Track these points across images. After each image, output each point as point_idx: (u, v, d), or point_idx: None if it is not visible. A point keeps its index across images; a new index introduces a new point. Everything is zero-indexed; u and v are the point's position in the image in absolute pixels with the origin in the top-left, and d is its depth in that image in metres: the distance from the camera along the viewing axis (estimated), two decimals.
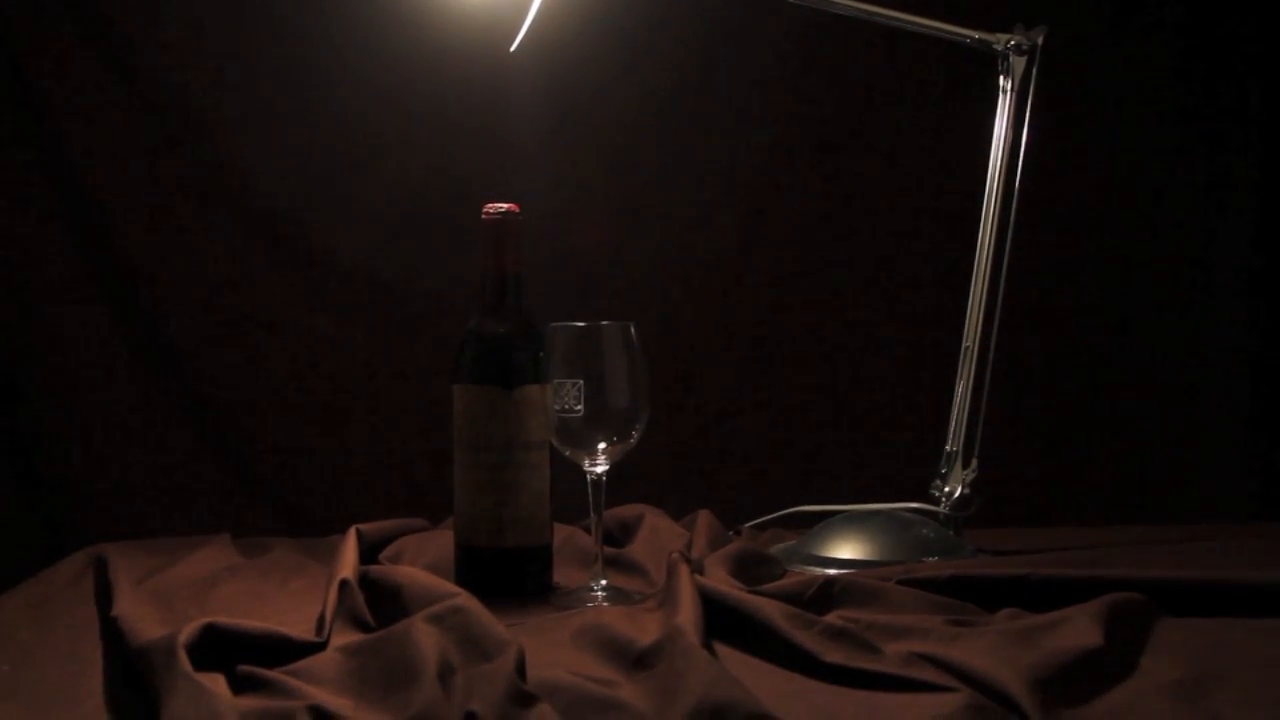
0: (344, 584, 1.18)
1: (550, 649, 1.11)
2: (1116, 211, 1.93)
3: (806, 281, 1.90)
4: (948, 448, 1.54)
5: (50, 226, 1.75)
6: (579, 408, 1.25)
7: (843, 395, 1.91)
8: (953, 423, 1.53)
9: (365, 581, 1.22)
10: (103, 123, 1.77)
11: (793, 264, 1.90)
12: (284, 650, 1.09)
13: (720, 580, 1.24)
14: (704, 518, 1.52)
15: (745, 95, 1.87)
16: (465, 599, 1.12)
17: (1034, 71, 1.48)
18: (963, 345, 1.53)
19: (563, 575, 1.39)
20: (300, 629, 1.13)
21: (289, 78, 1.80)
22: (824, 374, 1.90)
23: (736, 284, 1.90)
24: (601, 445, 1.27)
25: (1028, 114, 1.49)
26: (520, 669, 0.99)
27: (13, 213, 1.75)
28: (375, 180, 1.83)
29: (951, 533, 1.51)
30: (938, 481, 1.54)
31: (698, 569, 1.28)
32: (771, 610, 1.12)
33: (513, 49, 1.39)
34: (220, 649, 1.06)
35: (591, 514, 1.32)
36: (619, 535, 1.55)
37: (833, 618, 1.13)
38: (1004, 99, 1.49)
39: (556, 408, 1.26)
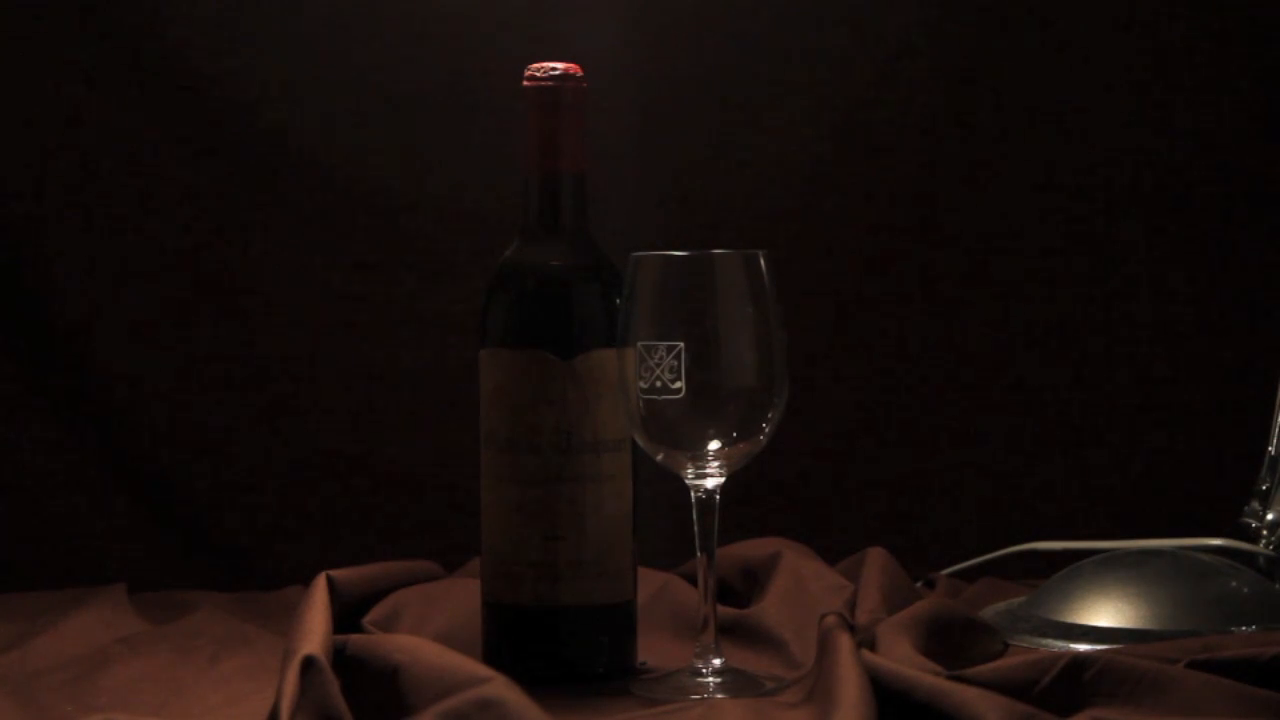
0: (309, 663, 1.17)
1: None
2: None
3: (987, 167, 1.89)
4: (1271, 449, 1.51)
5: None
6: (678, 385, 1.24)
7: (1081, 360, 1.88)
8: None
9: (342, 659, 1.23)
10: None
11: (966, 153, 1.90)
12: None
13: (903, 659, 1.24)
14: (876, 559, 1.54)
15: None
16: (499, 686, 1.13)
17: None
18: None
19: (652, 649, 1.40)
20: None
21: None
22: (1056, 326, 1.87)
23: (896, 190, 1.89)
24: (714, 445, 1.27)
25: None
26: None
27: None
28: (342, 42, 1.85)
29: (1278, 586, 1.49)
30: (1254, 504, 1.52)
31: (867, 641, 1.29)
32: (985, 707, 1.11)
33: None
34: None
35: (698, 553, 1.32)
36: (741, 587, 1.56)
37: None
38: None
39: (643, 385, 1.26)
